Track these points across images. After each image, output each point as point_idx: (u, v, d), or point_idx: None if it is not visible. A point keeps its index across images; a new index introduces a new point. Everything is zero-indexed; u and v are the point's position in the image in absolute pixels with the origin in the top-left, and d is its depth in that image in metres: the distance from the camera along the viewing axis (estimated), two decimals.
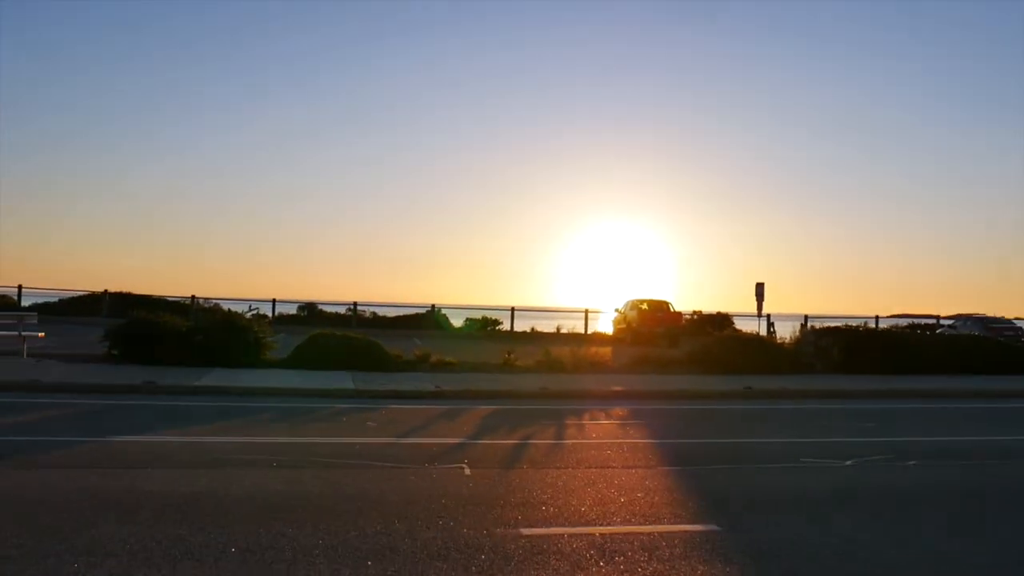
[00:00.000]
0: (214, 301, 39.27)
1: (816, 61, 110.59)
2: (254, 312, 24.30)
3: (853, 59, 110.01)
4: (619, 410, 14.90)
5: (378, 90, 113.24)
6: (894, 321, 49.38)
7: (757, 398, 17.39)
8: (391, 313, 46.40)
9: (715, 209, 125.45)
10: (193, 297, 39.35)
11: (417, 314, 45.60)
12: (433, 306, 45.30)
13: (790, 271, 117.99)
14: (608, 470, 9.00)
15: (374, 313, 46.22)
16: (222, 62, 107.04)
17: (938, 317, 52.55)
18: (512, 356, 21.32)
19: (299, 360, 19.82)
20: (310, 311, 46.02)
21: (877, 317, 50.50)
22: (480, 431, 11.98)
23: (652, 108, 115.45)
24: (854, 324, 25.90)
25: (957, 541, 6.70)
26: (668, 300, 39.07)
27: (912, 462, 9.93)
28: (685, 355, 23.52)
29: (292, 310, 46.29)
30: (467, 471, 8.78)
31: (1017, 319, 48.05)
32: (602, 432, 12.09)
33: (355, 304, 44.99)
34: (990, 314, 46.58)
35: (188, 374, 17.22)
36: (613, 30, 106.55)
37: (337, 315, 45.11)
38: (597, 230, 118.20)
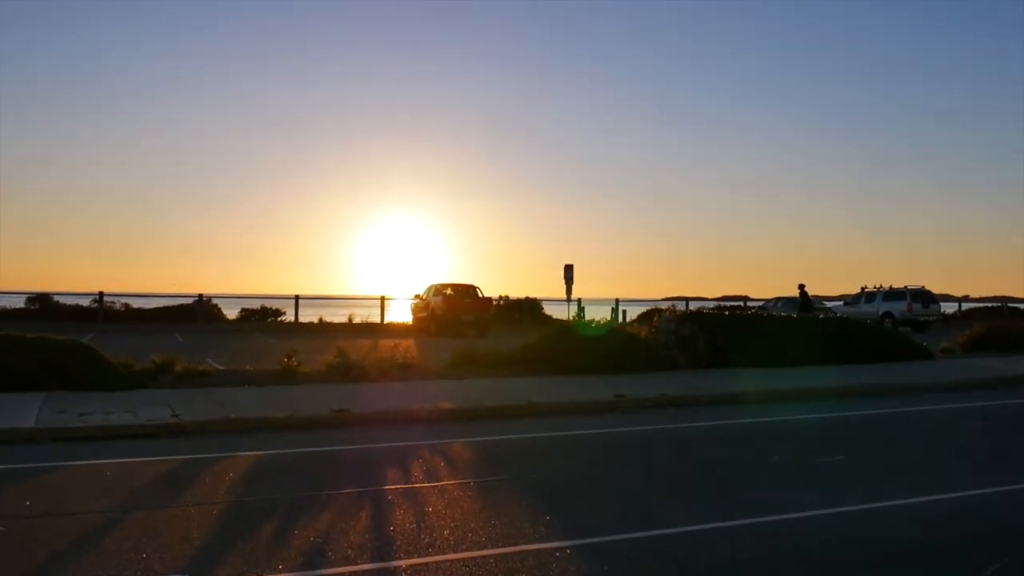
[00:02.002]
0: None
1: (606, 49, 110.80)
2: None
3: (623, 46, 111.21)
4: (461, 448, 9.60)
5: (154, 63, 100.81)
6: (699, 304, 47.78)
7: (637, 410, 12.74)
8: (150, 305, 38.88)
9: (511, 195, 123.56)
10: None
11: (182, 305, 38.45)
12: (200, 295, 37.98)
13: (583, 255, 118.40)
14: None
15: (127, 305, 38.47)
16: None
17: (740, 299, 51.85)
18: (293, 360, 15.18)
19: None
20: (42, 303, 37.23)
21: (687, 299, 48.69)
22: (221, 532, 6.08)
23: (445, 97, 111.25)
24: (663, 307, 22.66)
25: None
26: (475, 284, 34.18)
27: None
28: (518, 350, 18.32)
29: (20, 303, 37.29)
30: None
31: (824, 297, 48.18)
32: (456, 516, 6.56)
33: (101, 294, 36.88)
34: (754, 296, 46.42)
35: None
36: (413, 24, 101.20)
37: (79, 308, 37.08)
38: (392, 220, 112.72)
